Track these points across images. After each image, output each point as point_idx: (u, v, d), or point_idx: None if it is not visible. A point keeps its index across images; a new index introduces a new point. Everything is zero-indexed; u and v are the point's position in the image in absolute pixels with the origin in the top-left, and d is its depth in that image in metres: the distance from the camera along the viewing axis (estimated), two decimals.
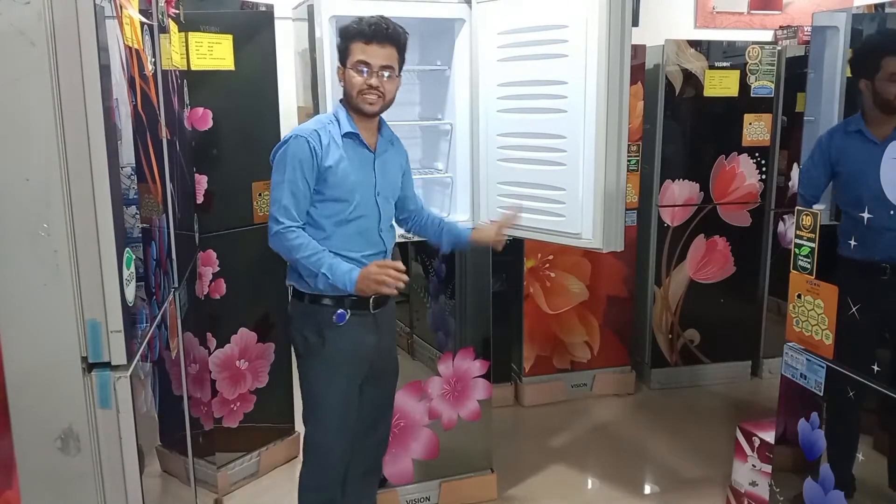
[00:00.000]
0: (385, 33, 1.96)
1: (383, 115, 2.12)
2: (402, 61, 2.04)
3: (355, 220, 2.03)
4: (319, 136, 1.98)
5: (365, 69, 1.97)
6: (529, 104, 2.40)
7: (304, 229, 1.99)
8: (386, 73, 1.98)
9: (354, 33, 1.96)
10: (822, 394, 2.04)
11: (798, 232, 2.09)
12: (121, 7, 1.62)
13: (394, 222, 2.22)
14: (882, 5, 1.89)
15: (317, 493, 2.11)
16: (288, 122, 2.79)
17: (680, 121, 3.74)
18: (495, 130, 2.52)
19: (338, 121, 2.03)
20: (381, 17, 1.99)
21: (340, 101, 2.07)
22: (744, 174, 3.81)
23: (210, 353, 2.77)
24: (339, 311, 2.03)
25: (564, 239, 2.38)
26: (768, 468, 2.43)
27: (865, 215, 1.87)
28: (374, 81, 1.97)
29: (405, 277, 1.95)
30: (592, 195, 2.25)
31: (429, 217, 2.31)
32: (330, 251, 1.99)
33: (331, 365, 2.06)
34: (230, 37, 2.68)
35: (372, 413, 2.21)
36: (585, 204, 2.27)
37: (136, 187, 1.71)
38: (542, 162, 2.38)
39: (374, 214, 2.07)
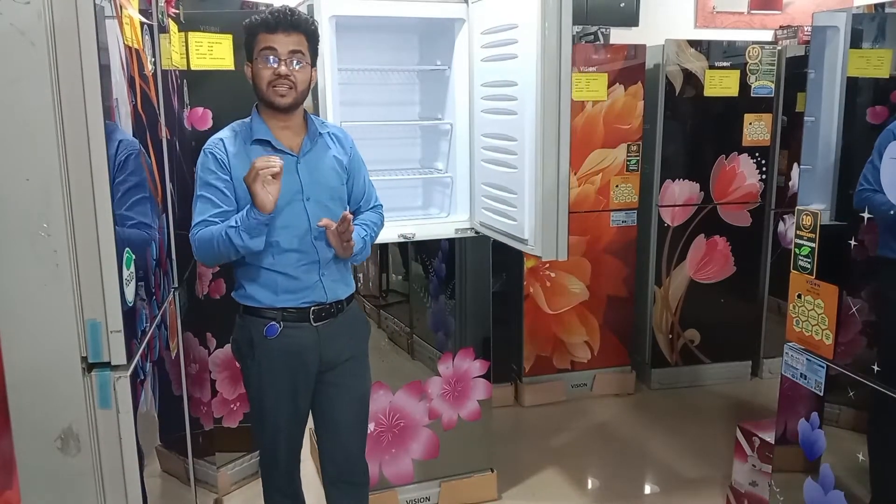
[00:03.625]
0: (289, 20, 1.84)
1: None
2: (313, 52, 1.91)
3: (276, 231, 1.87)
4: (224, 144, 1.89)
5: (272, 58, 1.83)
6: (495, 105, 2.39)
7: None
8: (295, 60, 1.84)
9: (258, 24, 1.84)
10: (822, 394, 2.04)
11: (798, 232, 2.09)
12: (121, 7, 1.62)
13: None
14: (882, 5, 1.89)
15: (269, 481, 2.12)
16: None
17: (680, 121, 3.74)
18: (479, 130, 2.53)
19: (250, 127, 1.92)
20: (286, 6, 1.86)
21: (255, 105, 1.95)
22: (744, 174, 3.81)
23: (210, 353, 2.77)
24: (270, 325, 1.92)
25: (516, 243, 2.33)
26: (768, 468, 2.43)
27: None
28: (283, 70, 1.83)
29: (275, 159, 1.76)
30: (535, 201, 2.17)
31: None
32: (256, 265, 1.90)
33: (261, 376, 1.97)
34: (230, 36, 2.68)
35: (334, 420, 2.08)
36: (531, 209, 2.21)
37: None
38: (502, 164, 2.36)
39: (301, 223, 1.91)
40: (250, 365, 1.98)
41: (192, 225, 1.89)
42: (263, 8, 1.88)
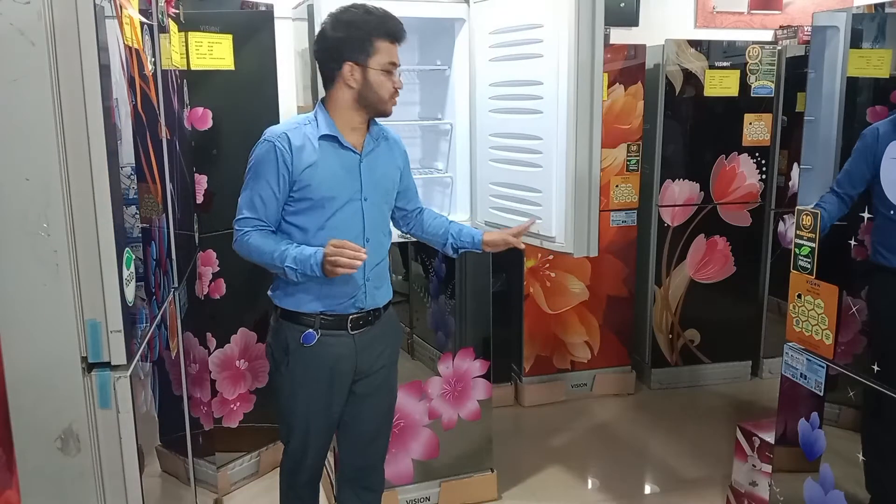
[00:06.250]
0: (405, 33, 1.86)
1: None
2: None
3: (332, 230, 1.85)
4: (289, 138, 1.83)
5: (396, 70, 1.86)
6: (512, 104, 2.39)
7: (274, 234, 1.89)
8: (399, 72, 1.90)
9: (377, 29, 1.81)
10: (822, 394, 2.04)
11: (798, 232, 2.09)
12: (121, 7, 1.62)
13: (388, 232, 2.05)
14: (882, 5, 1.89)
15: (289, 485, 2.09)
16: None
17: (680, 121, 3.74)
18: (487, 130, 2.53)
19: (316, 122, 1.88)
20: (387, 10, 1.86)
21: (321, 100, 1.91)
22: (744, 174, 3.81)
23: (210, 353, 2.77)
24: (307, 332, 1.89)
25: (542, 241, 2.35)
26: (768, 468, 2.43)
27: None
28: (399, 83, 1.88)
29: (363, 256, 1.75)
30: (565, 199, 2.19)
31: (433, 218, 2.17)
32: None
33: (294, 383, 1.94)
34: (230, 36, 2.68)
35: (359, 428, 2.06)
36: (559, 207, 2.22)
37: (135, 187, 1.71)
38: (522, 163, 2.36)
39: (356, 223, 1.90)
40: (284, 372, 1.95)
41: (238, 218, 1.87)
42: (372, 7, 1.84)
